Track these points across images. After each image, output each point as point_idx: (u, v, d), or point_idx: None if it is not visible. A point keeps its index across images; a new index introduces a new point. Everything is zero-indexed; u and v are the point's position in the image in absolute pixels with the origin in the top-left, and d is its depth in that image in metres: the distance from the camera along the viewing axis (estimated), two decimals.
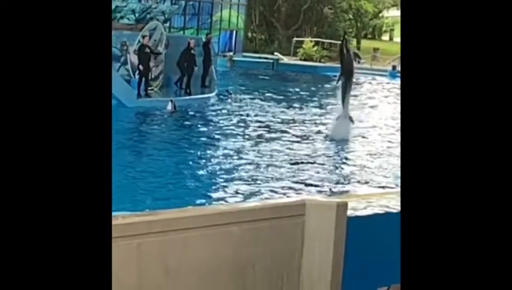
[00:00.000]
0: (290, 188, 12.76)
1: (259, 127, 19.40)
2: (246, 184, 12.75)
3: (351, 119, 18.66)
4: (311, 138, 18.16)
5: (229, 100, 24.05)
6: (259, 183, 12.91)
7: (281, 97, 26.25)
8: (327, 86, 31.12)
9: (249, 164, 14.53)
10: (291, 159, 15.30)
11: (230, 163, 14.53)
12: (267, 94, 26.70)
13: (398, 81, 35.28)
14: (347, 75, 18.72)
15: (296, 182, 13.22)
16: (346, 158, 16.14)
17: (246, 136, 17.73)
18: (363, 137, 18.98)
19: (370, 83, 35.13)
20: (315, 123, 20.83)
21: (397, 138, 19.10)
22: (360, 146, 17.78)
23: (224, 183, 12.75)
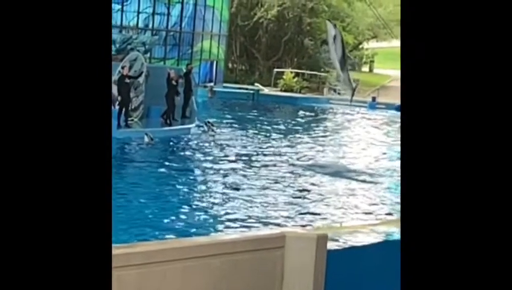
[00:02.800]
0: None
1: (234, 159, 19.41)
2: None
3: None
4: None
5: (209, 131, 24.03)
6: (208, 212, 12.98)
7: (262, 128, 26.30)
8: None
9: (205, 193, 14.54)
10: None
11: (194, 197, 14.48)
12: (246, 125, 26.73)
13: (377, 112, 35.50)
14: None
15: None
16: None
17: (219, 169, 17.70)
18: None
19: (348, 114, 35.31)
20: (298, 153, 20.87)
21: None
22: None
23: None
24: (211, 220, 12.54)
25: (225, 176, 16.51)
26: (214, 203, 13.76)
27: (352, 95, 22.40)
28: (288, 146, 22.42)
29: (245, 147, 21.59)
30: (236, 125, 26.30)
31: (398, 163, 20.90)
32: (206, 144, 21.62)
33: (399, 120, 32.78)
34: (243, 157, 19.42)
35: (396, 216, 13.55)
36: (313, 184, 16.35)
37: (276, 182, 16.14)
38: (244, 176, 16.70)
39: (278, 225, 12.08)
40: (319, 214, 13.47)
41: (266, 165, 18.32)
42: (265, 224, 12.27)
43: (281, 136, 24.70)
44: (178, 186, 15.07)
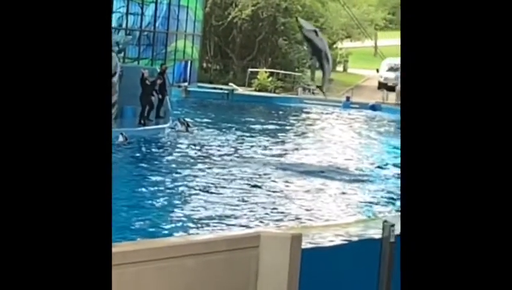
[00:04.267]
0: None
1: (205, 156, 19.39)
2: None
3: None
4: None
5: (184, 130, 23.94)
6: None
7: (235, 127, 26.29)
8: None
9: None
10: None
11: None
12: (220, 124, 26.71)
13: (351, 112, 35.62)
14: None
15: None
16: None
17: (192, 166, 17.69)
18: None
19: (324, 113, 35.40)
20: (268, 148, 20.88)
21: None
22: None
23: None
24: (173, 220, 12.53)
25: (195, 176, 16.49)
26: (178, 203, 13.77)
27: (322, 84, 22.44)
28: (261, 146, 22.42)
29: (218, 146, 21.56)
30: (210, 125, 26.25)
31: (369, 162, 21.03)
32: (181, 143, 21.56)
33: (373, 119, 32.91)
34: (214, 157, 19.40)
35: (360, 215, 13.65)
36: (274, 182, 16.39)
37: (246, 182, 16.14)
38: (214, 175, 16.70)
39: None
40: (283, 213, 13.50)
41: (237, 164, 18.32)
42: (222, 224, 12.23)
43: (256, 135, 24.70)
44: (149, 187, 15.02)
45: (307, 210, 13.93)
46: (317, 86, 24.49)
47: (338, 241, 5.75)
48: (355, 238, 6.04)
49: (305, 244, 4.86)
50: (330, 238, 5.82)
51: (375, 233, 5.67)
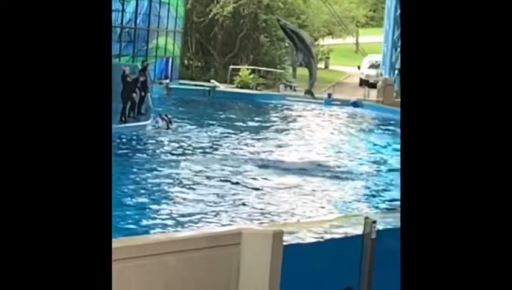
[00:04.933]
0: None
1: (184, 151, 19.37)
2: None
3: None
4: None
5: (166, 127, 23.87)
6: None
7: (217, 124, 26.26)
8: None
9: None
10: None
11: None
12: (202, 121, 26.67)
13: (332, 108, 35.66)
14: None
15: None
16: None
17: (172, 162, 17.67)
18: None
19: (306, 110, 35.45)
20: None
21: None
22: None
23: None
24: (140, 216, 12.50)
25: (176, 173, 16.46)
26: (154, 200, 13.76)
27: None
28: (242, 143, 22.41)
29: (199, 143, 21.52)
30: (191, 122, 26.19)
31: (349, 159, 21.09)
32: (161, 141, 21.50)
33: (354, 116, 33.01)
34: (194, 154, 19.37)
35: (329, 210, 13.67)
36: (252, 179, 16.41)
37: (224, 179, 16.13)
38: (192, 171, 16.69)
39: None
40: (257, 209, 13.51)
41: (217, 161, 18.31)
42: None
43: (237, 132, 24.68)
44: (129, 185, 14.97)
45: (282, 206, 13.93)
46: (306, 91, 24.62)
47: (319, 237, 5.75)
48: (336, 235, 6.04)
49: (287, 241, 4.86)
50: (312, 235, 5.82)
51: (357, 229, 5.68)
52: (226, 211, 13.20)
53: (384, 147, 24.43)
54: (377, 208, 14.49)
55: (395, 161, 21.24)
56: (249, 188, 15.51)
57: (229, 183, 15.72)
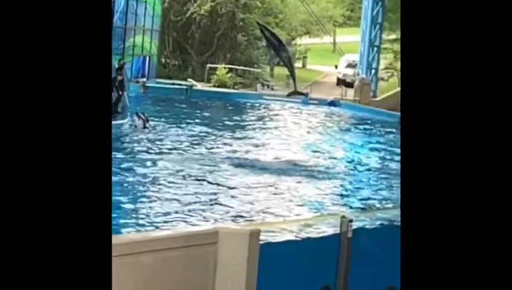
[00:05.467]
0: None
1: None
2: None
3: None
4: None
5: (141, 126, 23.77)
6: None
7: (193, 122, 26.22)
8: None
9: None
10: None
11: None
12: (178, 120, 26.61)
13: (310, 108, 35.70)
14: None
15: None
16: None
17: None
18: None
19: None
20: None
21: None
22: None
23: None
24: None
25: (150, 172, 16.44)
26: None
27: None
28: (218, 142, 22.39)
29: (175, 142, 21.48)
30: (168, 121, 26.12)
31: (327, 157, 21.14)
32: (137, 139, 21.43)
33: (331, 115, 33.08)
34: (169, 153, 19.33)
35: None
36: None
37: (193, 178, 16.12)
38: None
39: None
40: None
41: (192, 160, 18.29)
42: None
43: (213, 131, 24.65)
44: None
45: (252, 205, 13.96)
46: (293, 92, 24.63)
47: (296, 236, 5.77)
48: (313, 234, 6.06)
49: (264, 240, 4.86)
50: (288, 234, 5.83)
51: (333, 228, 5.69)
52: (202, 210, 13.19)
53: (361, 146, 24.53)
54: (351, 207, 14.54)
55: (371, 161, 21.34)
56: (224, 187, 15.51)
57: (204, 182, 15.71)
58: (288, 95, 24.78)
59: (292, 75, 22.26)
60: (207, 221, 12.22)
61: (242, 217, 12.87)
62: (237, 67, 43.82)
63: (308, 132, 27.52)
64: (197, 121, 27.07)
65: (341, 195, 16.06)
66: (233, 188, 15.50)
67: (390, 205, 14.86)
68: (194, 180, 15.90)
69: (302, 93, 24.77)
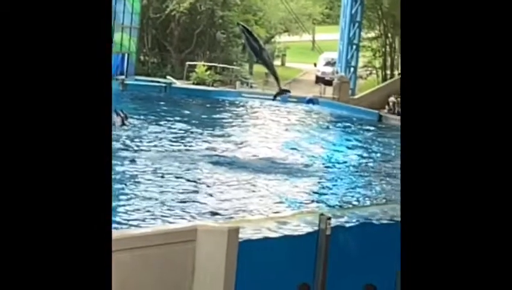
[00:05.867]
0: None
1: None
2: None
3: None
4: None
5: (120, 123, 23.68)
6: None
7: (172, 120, 26.16)
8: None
9: None
10: None
11: None
12: (157, 118, 26.54)
13: (288, 105, 35.74)
14: None
15: None
16: None
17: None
18: None
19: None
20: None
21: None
22: None
23: None
24: None
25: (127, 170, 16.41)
26: None
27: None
28: (197, 139, 22.36)
29: (154, 139, 21.42)
30: (147, 118, 26.04)
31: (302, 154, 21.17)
32: (117, 136, 21.36)
33: (310, 112, 33.12)
34: (148, 150, 19.29)
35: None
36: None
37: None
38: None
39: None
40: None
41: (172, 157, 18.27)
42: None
43: (192, 129, 24.62)
44: None
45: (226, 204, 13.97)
46: (275, 96, 24.67)
47: (275, 234, 5.78)
48: (291, 231, 6.08)
49: (242, 237, 4.87)
50: (267, 231, 5.84)
51: (312, 226, 5.71)
52: (180, 208, 13.17)
53: (339, 144, 24.60)
54: (329, 206, 14.58)
55: (349, 158, 21.41)
56: (202, 184, 15.50)
57: (182, 180, 15.69)
58: (275, 96, 24.77)
59: (275, 76, 22.27)
60: (185, 219, 12.21)
61: (220, 215, 12.87)
62: (216, 64, 43.76)
63: (287, 130, 27.55)
64: (176, 118, 27.01)
65: (319, 193, 16.10)
66: (212, 185, 15.50)
67: (368, 203, 14.93)
68: (173, 177, 15.87)
69: (287, 91, 24.75)
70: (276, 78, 22.55)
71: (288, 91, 25.38)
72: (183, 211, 12.91)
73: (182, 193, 14.46)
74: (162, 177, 15.88)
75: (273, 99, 26.87)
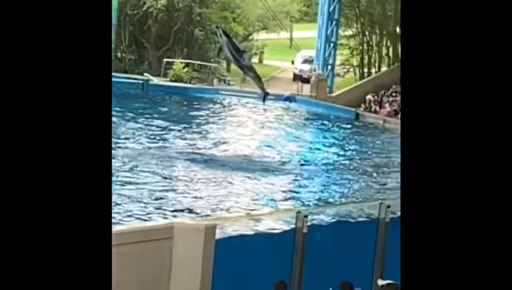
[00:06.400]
0: None
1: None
2: None
3: None
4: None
5: None
6: None
7: (149, 117, 26.08)
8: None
9: None
10: None
11: None
12: (134, 115, 26.43)
13: (265, 103, 35.71)
14: None
15: None
16: None
17: None
18: None
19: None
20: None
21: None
22: None
23: None
24: None
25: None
26: None
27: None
28: (175, 136, 22.31)
29: (132, 136, 21.36)
30: (124, 115, 25.94)
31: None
32: None
33: (287, 110, 33.17)
34: (124, 148, 19.23)
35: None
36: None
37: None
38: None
39: None
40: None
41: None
42: None
43: (169, 126, 24.55)
44: None
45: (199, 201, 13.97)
46: (264, 100, 24.69)
47: (251, 231, 5.79)
48: (268, 229, 6.09)
49: (219, 235, 4.88)
50: (244, 229, 5.85)
51: (289, 224, 5.73)
52: (157, 206, 13.15)
53: (316, 141, 24.65)
54: (304, 204, 14.62)
55: (325, 156, 21.46)
56: (179, 181, 15.47)
57: (159, 177, 15.65)
58: (264, 100, 24.86)
59: (258, 78, 22.31)
60: (162, 216, 12.19)
61: (196, 213, 12.86)
62: (194, 62, 43.65)
63: (262, 127, 27.56)
64: (154, 115, 26.92)
65: (295, 191, 16.13)
66: (189, 182, 15.48)
67: (344, 201, 14.99)
68: (150, 175, 15.84)
69: (267, 93, 24.87)
70: (260, 81, 22.53)
71: (268, 93, 25.47)
72: (160, 209, 12.88)
73: (159, 190, 14.44)
74: (139, 174, 15.84)
75: (264, 103, 26.92)
